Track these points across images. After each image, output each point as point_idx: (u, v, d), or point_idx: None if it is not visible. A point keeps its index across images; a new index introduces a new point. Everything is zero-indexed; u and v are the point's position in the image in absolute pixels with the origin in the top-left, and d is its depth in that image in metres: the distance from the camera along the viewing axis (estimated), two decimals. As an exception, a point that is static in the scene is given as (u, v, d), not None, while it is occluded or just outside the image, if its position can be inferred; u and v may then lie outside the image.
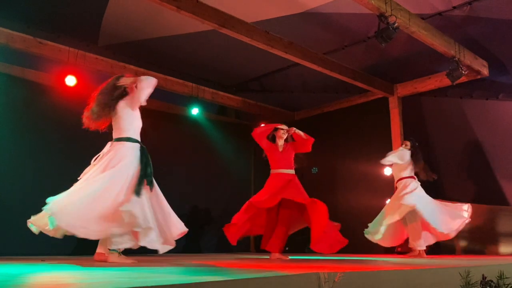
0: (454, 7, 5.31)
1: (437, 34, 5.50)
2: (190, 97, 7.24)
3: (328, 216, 4.52)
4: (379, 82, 7.13)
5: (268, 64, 7.09)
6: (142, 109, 4.04)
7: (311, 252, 4.90)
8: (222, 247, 7.56)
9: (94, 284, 1.69)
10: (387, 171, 7.03)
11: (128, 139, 3.84)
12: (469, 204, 5.50)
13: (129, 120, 3.90)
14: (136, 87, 3.88)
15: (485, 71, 6.28)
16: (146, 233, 3.51)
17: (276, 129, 4.98)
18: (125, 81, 3.95)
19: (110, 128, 3.98)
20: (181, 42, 6.35)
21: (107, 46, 6.42)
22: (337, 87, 7.58)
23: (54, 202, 3.41)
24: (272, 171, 4.92)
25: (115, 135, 3.89)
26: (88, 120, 3.86)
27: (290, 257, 4.80)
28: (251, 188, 8.44)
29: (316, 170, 6.51)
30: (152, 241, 3.55)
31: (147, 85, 3.88)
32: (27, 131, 5.86)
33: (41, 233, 5.44)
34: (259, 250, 8.03)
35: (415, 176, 5.73)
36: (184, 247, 6.87)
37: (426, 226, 5.45)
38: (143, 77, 3.97)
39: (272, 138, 5.02)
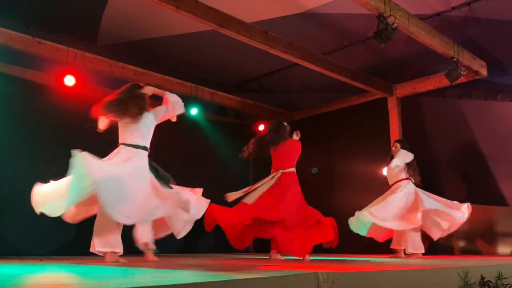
0: (453, 8, 5.31)
1: (436, 34, 5.51)
2: (189, 97, 7.23)
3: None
4: (378, 83, 7.14)
5: (267, 64, 7.09)
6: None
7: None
8: (221, 247, 7.56)
9: (94, 284, 1.69)
10: (386, 172, 7.04)
11: (145, 148, 3.97)
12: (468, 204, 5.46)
13: (150, 132, 4.03)
14: (172, 107, 4.07)
15: (484, 72, 6.29)
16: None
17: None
18: (147, 90, 4.05)
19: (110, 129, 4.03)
20: (180, 42, 6.35)
21: (106, 46, 6.42)
22: (336, 87, 7.58)
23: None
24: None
25: (130, 140, 3.93)
26: (101, 108, 3.93)
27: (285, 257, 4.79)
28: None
29: (316, 170, 6.51)
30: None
31: (182, 109, 4.12)
32: (26, 131, 5.85)
33: (39, 233, 5.45)
34: (259, 250, 8.05)
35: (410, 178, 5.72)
36: (183, 247, 6.87)
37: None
38: (173, 97, 4.11)
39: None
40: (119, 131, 4.02)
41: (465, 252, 6.27)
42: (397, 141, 6.01)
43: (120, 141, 3.98)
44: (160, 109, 4.08)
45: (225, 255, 6.58)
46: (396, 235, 5.63)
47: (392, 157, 5.86)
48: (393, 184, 5.73)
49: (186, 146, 7.53)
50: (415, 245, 5.43)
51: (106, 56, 6.27)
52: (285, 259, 4.63)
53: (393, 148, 5.86)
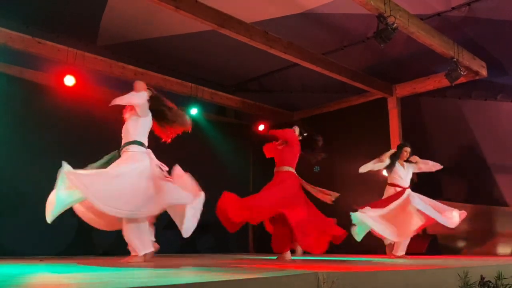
0: (453, 8, 5.32)
1: (436, 34, 5.51)
2: (189, 97, 7.23)
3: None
4: (378, 83, 7.14)
5: (267, 64, 7.10)
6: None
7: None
8: (220, 247, 7.57)
9: (94, 284, 1.69)
10: (385, 172, 7.03)
11: None
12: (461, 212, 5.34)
13: None
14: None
15: (484, 72, 6.29)
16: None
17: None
18: None
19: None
20: (180, 42, 6.35)
21: (106, 46, 6.42)
22: (336, 87, 7.58)
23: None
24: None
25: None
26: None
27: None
28: (249, 188, 8.44)
29: (318, 169, 6.51)
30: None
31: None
32: (26, 131, 5.85)
33: (39, 233, 5.45)
34: (259, 250, 8.05)
35: None
36: (182, 247, 6.87)
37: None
38: None
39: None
40: (143, 132, 3.97)
41: (465, 252, 6.27)
42: (406, 145, 5.79)
43: (145, 142, 3.96)
44: None
45: (225, 255, 6.58)
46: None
47: (394, 160, 5.76)
48: (407, 188, 5.58)
49: (186, 146, 7.51)
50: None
51: (106, 56, 6.27)
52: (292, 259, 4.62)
53: (406, 154, 5.67)
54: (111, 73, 6.28)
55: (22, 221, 5.49)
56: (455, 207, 5.46)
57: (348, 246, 6.09)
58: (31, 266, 3.18)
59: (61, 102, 6.04)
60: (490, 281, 2.64)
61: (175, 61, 7.00)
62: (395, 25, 4.70)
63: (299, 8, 5.49)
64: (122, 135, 3.96)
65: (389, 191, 5.67)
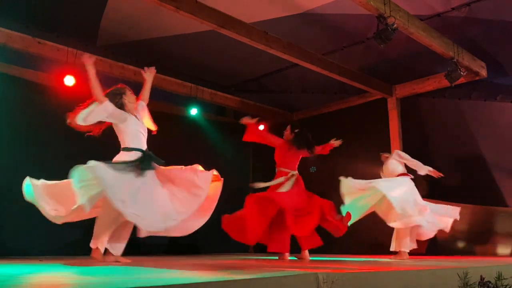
0: (453, 9, 5.32)
1: (436, 35, 5.51)
2: (189, 98, 7.23)
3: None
4: (378, 83, 7.14)
5: (267, 65, 7.10)
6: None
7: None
8: (220, 247, 7.56)
9: (94, 284, 1.70)
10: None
11: None
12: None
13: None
14: None
15: (484, 72, 6.30)
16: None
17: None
18: None
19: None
20: (180, 42, 6.35)
21: (106, 46, 6.42)
22: (336, 88, 7.59)
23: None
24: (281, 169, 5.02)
25: None
26: None
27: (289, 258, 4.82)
28: (249, 188, 8.43)
29: (315, 169, 6.51)
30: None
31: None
32: (26, 131, 5.85)
33: (38, 233, 5.44)
34: (258, 250, 8.04)
35: None
36: (182, 248, 6.86)
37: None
38: None
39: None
40: (128, 137, 4.00)
41: (464, 252, 6.27)
42: None
43: (135, 145, 3.97)
44: None
45: (225, 255, 6.58)
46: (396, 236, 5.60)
47: None
48: None
49: (185, 146, 7.53)
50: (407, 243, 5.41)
51: (105, 56, 6.26)
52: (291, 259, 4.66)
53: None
54: (111, 73, 6.27)
55: (22, 221, 5.48)
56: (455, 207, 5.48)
57: (348, 246, 6.10)
58: (31, 266, 3.18)
59: (61, 102, 6.02)
60: (489, 282, 2.64)
61: (175, 61, 7.00)
62: (395, 25, 4.71)
63: (299, 9, 5.49)
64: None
65: None
